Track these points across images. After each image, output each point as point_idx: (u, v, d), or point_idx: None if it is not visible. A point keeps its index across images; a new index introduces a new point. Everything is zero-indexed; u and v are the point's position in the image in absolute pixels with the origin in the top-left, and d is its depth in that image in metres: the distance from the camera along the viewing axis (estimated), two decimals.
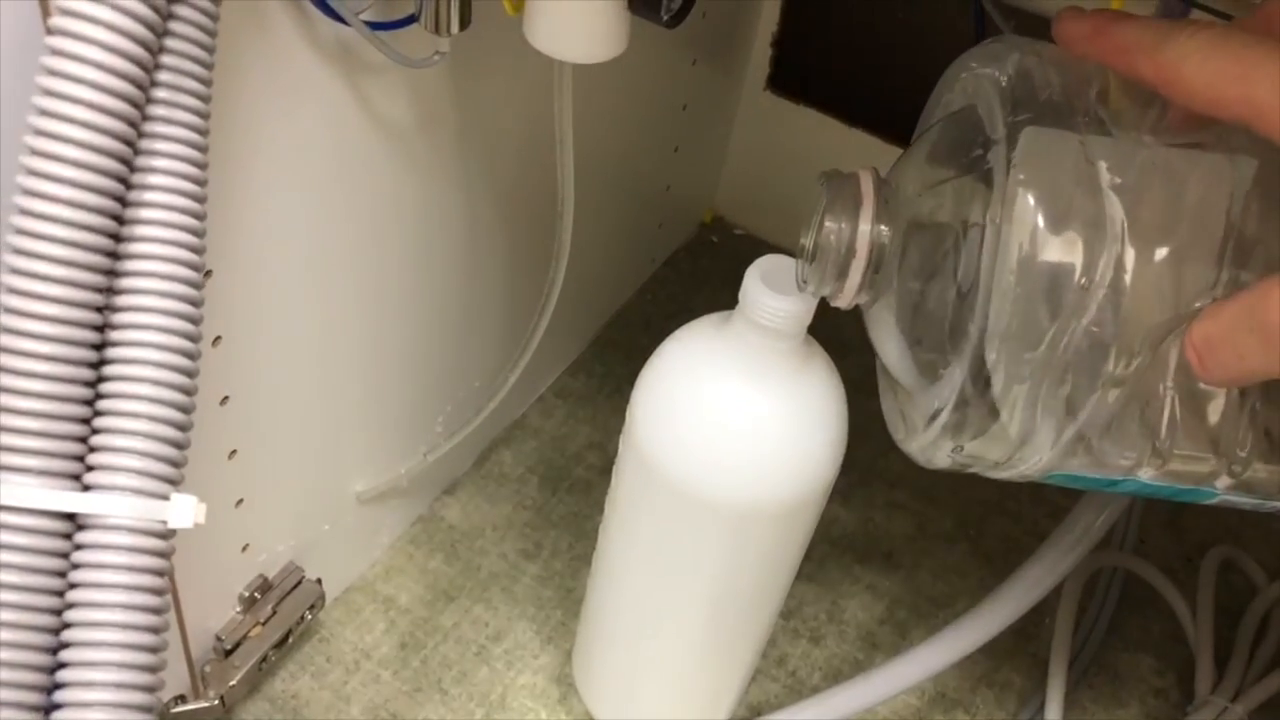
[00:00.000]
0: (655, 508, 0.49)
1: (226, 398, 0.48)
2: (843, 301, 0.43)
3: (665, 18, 0.40)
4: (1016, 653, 0.68)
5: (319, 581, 0.60)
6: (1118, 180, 0.34)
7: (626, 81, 0.67)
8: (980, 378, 0.37)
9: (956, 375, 0.38)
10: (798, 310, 0.44)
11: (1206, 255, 0.35)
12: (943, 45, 0.82)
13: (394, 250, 0.53)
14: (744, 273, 0.45)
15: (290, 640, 0.58)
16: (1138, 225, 0.34)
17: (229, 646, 0.55)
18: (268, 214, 0.44)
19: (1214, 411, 0.37)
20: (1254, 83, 0.29)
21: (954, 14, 0.79)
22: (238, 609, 0.57)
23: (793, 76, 0.83)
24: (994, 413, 0.38)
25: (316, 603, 0.59)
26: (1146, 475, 0.39)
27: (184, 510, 0.30)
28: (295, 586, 0.58)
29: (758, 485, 0.46)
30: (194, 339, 0.31)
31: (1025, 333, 0.35)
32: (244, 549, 0.55)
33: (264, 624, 0.56)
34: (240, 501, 0.53)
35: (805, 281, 0.42)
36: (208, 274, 0.43)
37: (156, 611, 0.30)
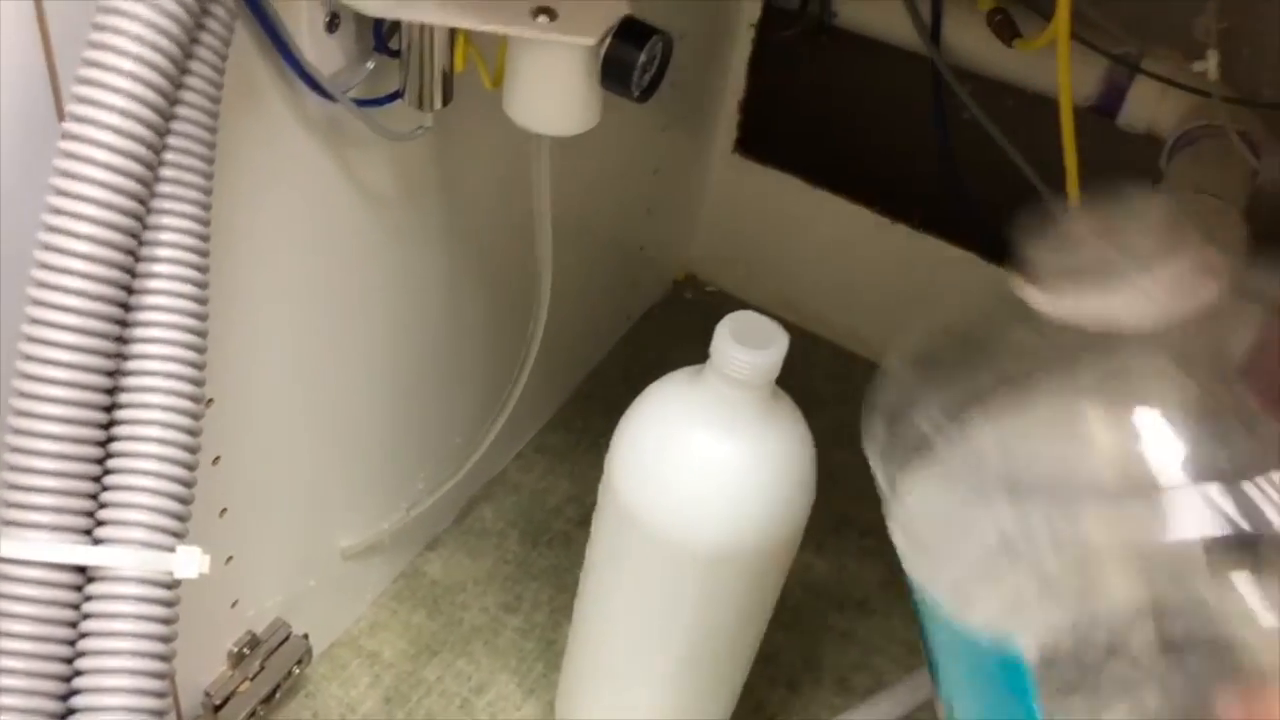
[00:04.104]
0: (633, 555, 0.51)
1: (218, 457, 0.50)
2: None
3: (636, 93, 0.43)
4: None
5: (306, 636, 0.61)
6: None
7: (600, 148, 0.69)
8: None
9: None
10: (765, 363, 0.46)
11: None
12: (902, 109, 0.87)
13: (378, 313, 0.55)
14: (716, 328, 0.47)
15: (278, 695, 0.59)
16: None
17: (218, 702, 0.56)
18: (259, 280, 0.47)
19: None
20: None
21: (912, 79, 0.83)
22: (226, 665, 0.58)
23: (759, 140, 0.86)
24: None
25: (304, 657, 0.60)
26: None
27: (189, 561, 0.32)
28: (283, 642, 0.59)
29: (731, 530, 0.48)
30: (197, 400, 0.33)
31: None
32: (233, 605, 0.56)
33: (252, 679, 0.57)
34: (230, 559, 0.54)
35: None
36: None
37: (163, 658, 0.31)
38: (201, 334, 0.33)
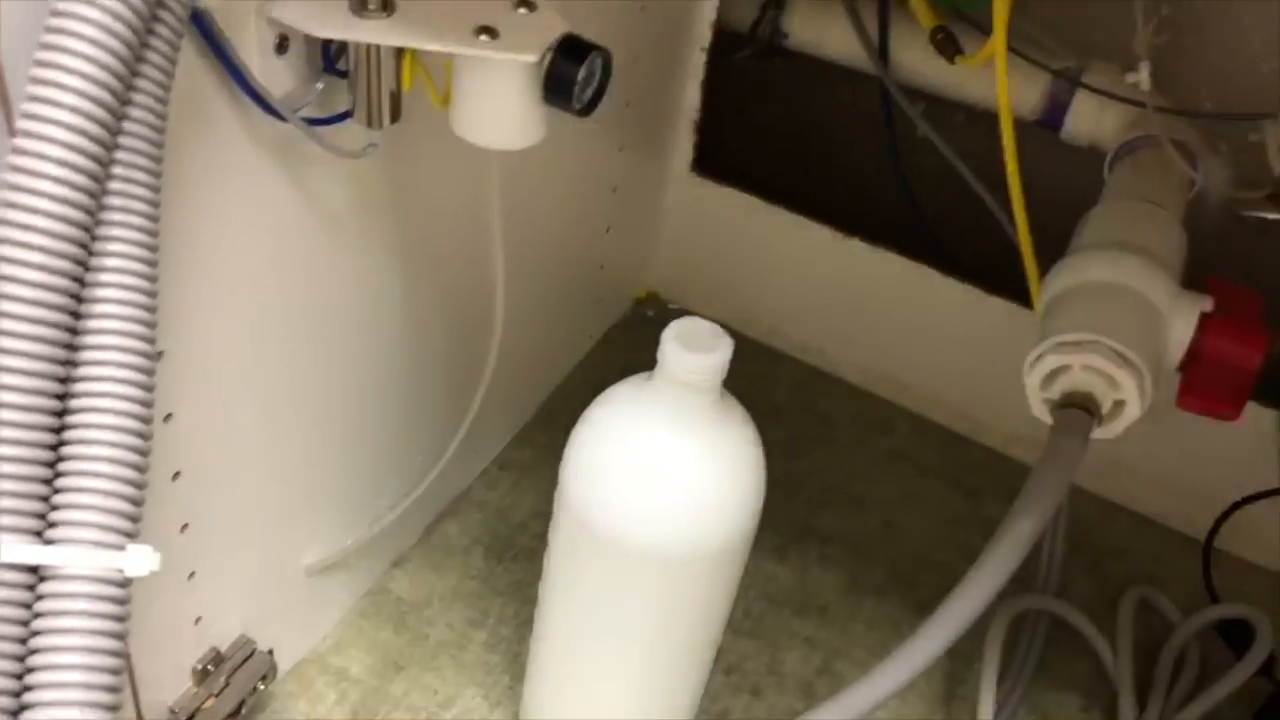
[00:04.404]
0: (589, 561, 0.52)
1: (178, 473, 0.51)
2: None
3: (578, 107, 0.44)
4: (950, 697, 0.71)
5: (270, 653, 0.61)
6: None
7: (556, 167, 0.71)
8: None
9: None
10: (711, 366, 0.47)
11: None
12: (855, 127, 0.89)
13: (336, 330, 0.56)
14: (663, 334, 0.48)
15: (243, 712, 0.60)
16: None
17: (183, 719, 0.57)
18: (215, 296, 0.48)
19: None
20: None
21: (864, 98, 0.85)
22: (191, 681, 0.58)
23: (717, 160, 0.88)
24: None
25: (269, 674, 0.61)
26: None
27: (139, 559, 0.33)
28: (248, 658, 0.60)
29: (684, 531, 0.49)
30: (147, 404, 0.34)
31: None
32: (196, 621, 0.57)
33: (217, 695, 0.58)
34: (192, 574, 0.55)
35: None
36: (160, 354, 0.46)
37: (116, 654, 0.32)
38: (150, 340, 0.34)
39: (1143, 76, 0.65)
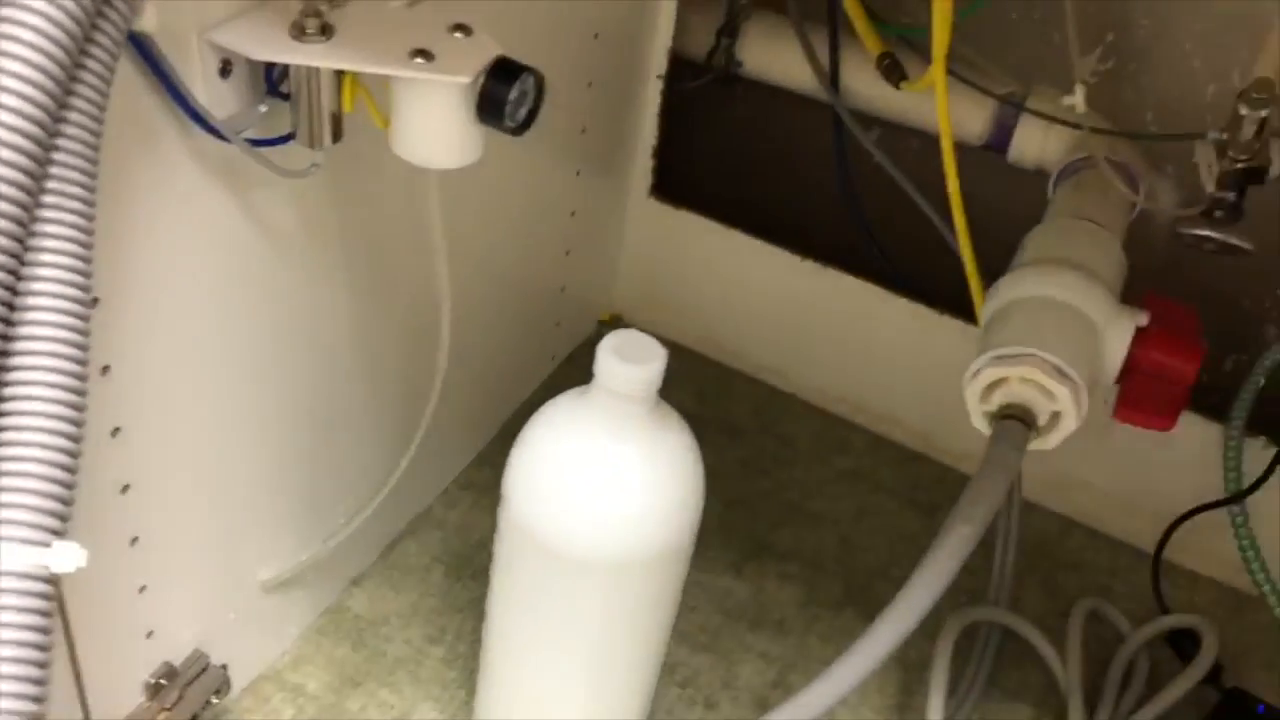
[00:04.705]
0: (533, 571, 0.53)
1: (127, 486, 0.52)
2: None
3: (510, 125, 0.46)
4: (903, 708, 0.72)
5: (224, 667, 0.62)
6: None
7: (511, 190, 0.73)
8: None
9: None
10: (646, 377, 0.49)
11: None
12: (807, 154, 0.90)
13: (287, 346, 0.58)
14: (598, 346, 0.50)
15: None
16: None
17: None
18: (162, 312, 0.49)
19: None
20: None
21: (817, 124, 0.87)
22: (144, 696, 0.59)
23: (675, 184, 0.90)
24: None
25: (222, 688, 0.61)
26: None
27: (66, 556, 0.34)
28: (201, 673, 0.61)
29: (622, 537, 0.50)
30: (79, 408, 0.35)
31: None
32: (149, 635, 0.58)
33: (170, 709, 0.59)
34: (143, 588, 0.56)
35: None
36: (106, 369, 0.47)
37: (41, 649, 0.33)
38: (83, 346, 0.36)
39: (1078, 99, 0.67)
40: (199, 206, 0.48)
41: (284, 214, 0.53)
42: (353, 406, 0.65)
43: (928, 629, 0.70)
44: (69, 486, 0.35)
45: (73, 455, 0.35)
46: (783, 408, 0.91)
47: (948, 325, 0.83)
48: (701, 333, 0.93)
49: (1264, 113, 0.62)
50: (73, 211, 0.35)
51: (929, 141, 0.83)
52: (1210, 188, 0.66)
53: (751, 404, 0.91)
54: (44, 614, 0.34)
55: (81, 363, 0.36)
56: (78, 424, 0.35)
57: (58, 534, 0.34)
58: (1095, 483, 0.83)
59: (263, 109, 0.48)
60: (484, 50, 0.46)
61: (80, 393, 0.35)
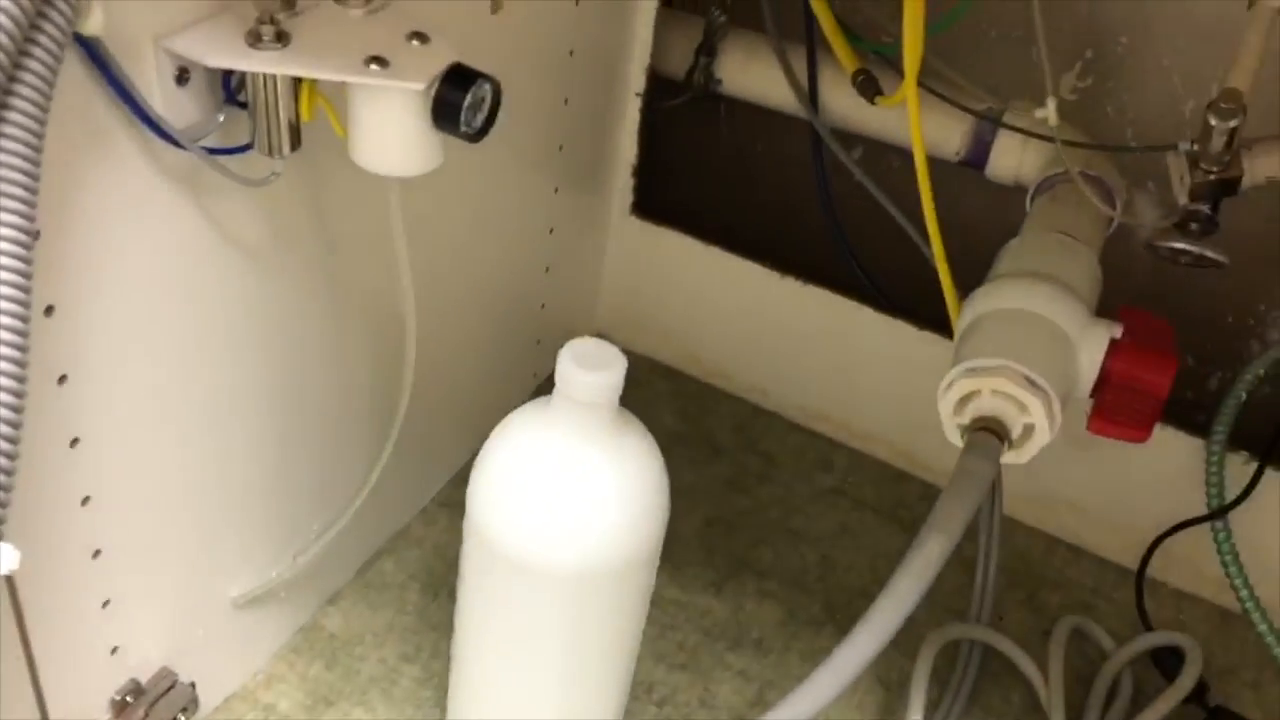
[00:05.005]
0: (498, 583, 0.53)
1: (88, 497, 0.51)
2: None
3: (466, 131, 0.46)
4: None
5: (193, 685, 0.61)
6: None
7: (488, 206, 0.73)
8: None
9: None
10: (606, 383, 0.48)
11: None
12: (787, 172, 0.91)
13: (255, 357, 0.57)
14: (558, 354, 0.49)
15: None
16: None
17: None
18: (121, 321, 0.49)
19: None
20: None
21: (796, 142, 0.87)
22: (110, 713, 0.58)
23: (656, 202, 0.90)
24: None
25: (189, 706, 0.61)
26: None
27: (1, 558, 0.34)
28: (168, 690, 0.60)
29: (585, 547, 0.50)
30: (17, 409, 0.35)
31: None
32: (113, 651, 0.57)
33: None
34: (107, 602, 0.55)
35: None
36: (63, 379, 0.47)
37: None
38: (22, 348, 0.35)
39: (1050, 112, 0.67)
40: (156, 214, 0.48)
41: (244, 223, 0.53)
42: (322, 420, 0.65)
43: (907, 647, 0.70)
44: (6, 489, 0.34)
45: (8, 456, 0.34)
46: (764, 426, 0.90)
47: (930, 341, 0.82)
48: (683, 350, 0.93)
49: (1233, 123, 0.62)
50: (12, 212, 0.35)
51: (909, 158, 0.83)
52: (1183, 200, 0.66)
53: (733, 422, 0.90)
54: None
55: (20, 366, 0.35)
56: (15, 426, 0.35)
57: None
58: (1078, 500, 0.82)
59: (221, 117, 0.48)
60: (440, 57, 0.46)
61: (18, 393, 0.35)
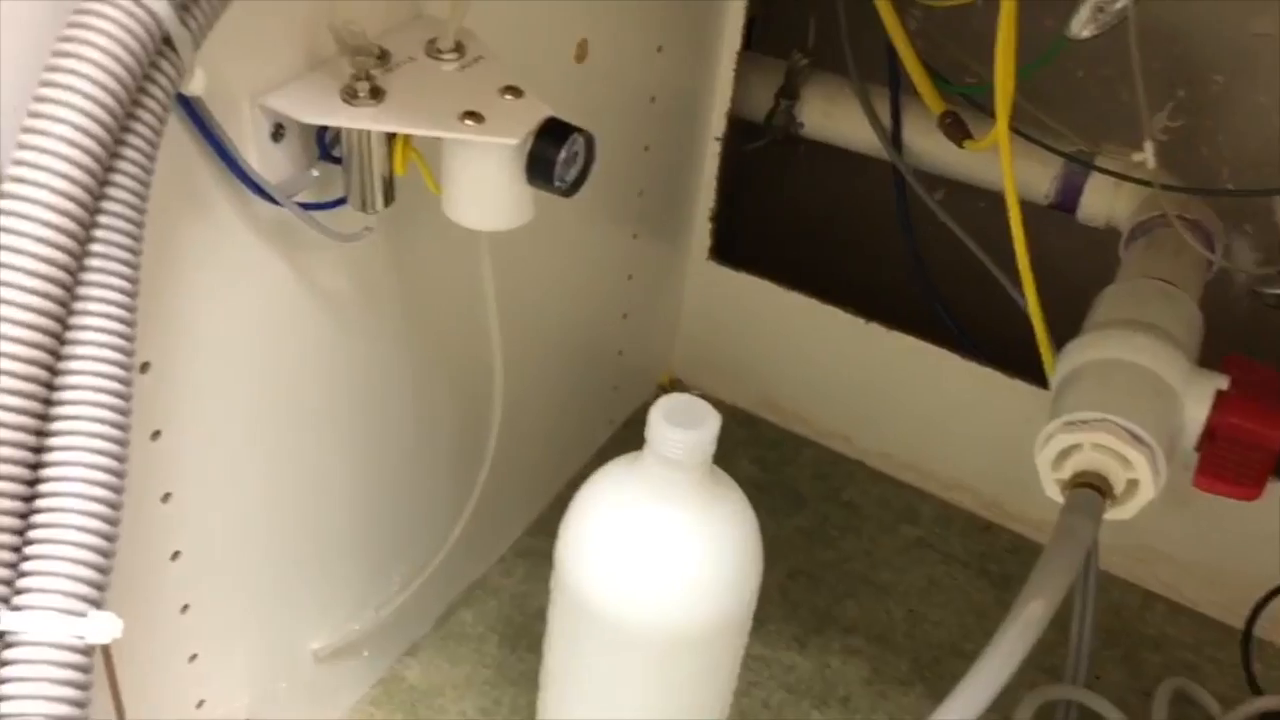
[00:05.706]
0: (586, 641, 0.52)
1: (177, 553, 0.51)
2: None
3: (560, 186, 0.45)
4: None
5: None
6: None
7: (567, 253, 0.72)
8: None
9: None
10: (699, 441, 0.47)
11: None
12: (867, 214, 0.89)
13: (342, 411, 0.57)
14: (650, 411, 0.48)
15: None
16: None
17: None
18: (213, 377, 0.49)
19: None
20: None
21: (877, 185, 0.86)
22: None
23: (735, 246, 0.89)
24: None
25: None
26: None
27: (102, 627, 0.33)
28: None
29: (676, 608, 0.49)
30: (119, 474, 0.35)
31: None
32: (199, 705, 0.57)
33: None
34: (194, 656, 0.55)
35: None
36: (156, 434, 0.47)
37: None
38: (125, 411, 0.35)
39: (1148, 156, 0.65)
40: (251, 270, 0.48)
41: (337, 278, 0.53)
42: (406, 472, 0.64)
43: (1002, 708, 0.68)
44: (107, 555, 0.34)
45: (111, 523, 0.34)
46: (847, 474, 0.88)
47: (1018, 389, 0.80)
48: (762, 397, 0.91)
49: None
50: (117, 275, 0.35)
51: (995, 201, 0.81)
52: None
53: (814, 470, 0.89)
54: (79, 686, 0.33)
55: (123, 428, 0.35)
56: (117, 491, 0.35)
57: (95, 604, 0.34)
58: (1180, 554, 0.79)
59: (315, 173, 0.48)
60: (534, 112, 0.45)
61: (121, 459, 0.35)
